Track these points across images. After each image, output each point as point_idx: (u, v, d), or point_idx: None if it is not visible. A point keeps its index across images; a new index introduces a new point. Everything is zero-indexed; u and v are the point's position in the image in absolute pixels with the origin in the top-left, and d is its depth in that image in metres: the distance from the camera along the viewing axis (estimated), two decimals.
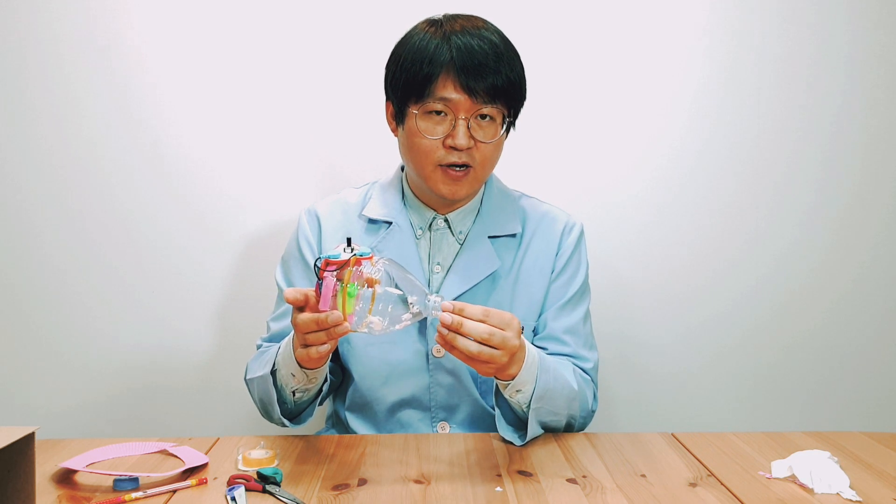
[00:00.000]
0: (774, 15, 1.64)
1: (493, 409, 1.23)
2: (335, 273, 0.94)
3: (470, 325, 0.98)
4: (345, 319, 0.95)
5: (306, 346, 1.00)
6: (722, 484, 1.00)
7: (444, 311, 0.98)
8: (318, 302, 0.95)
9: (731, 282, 1.70)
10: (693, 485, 1.00)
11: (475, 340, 0.99)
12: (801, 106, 1.67)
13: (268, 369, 1.15)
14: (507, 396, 1.12)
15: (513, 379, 1.09)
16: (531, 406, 1.11)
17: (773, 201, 1.69)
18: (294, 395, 1.17)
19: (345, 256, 0.94)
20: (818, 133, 1.68)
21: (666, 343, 1.71)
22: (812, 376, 1.73)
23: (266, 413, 1.22)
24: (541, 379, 1.11)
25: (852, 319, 1.72)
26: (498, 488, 0.98)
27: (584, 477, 1.02)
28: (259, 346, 1.31)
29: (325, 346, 0.99)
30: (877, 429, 1.29)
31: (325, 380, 1.18)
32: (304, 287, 1.06)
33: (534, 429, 1.14)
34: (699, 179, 1.68)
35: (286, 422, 1.19)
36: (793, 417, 1.72)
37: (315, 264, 0.95)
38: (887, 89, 1.67)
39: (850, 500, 0.95)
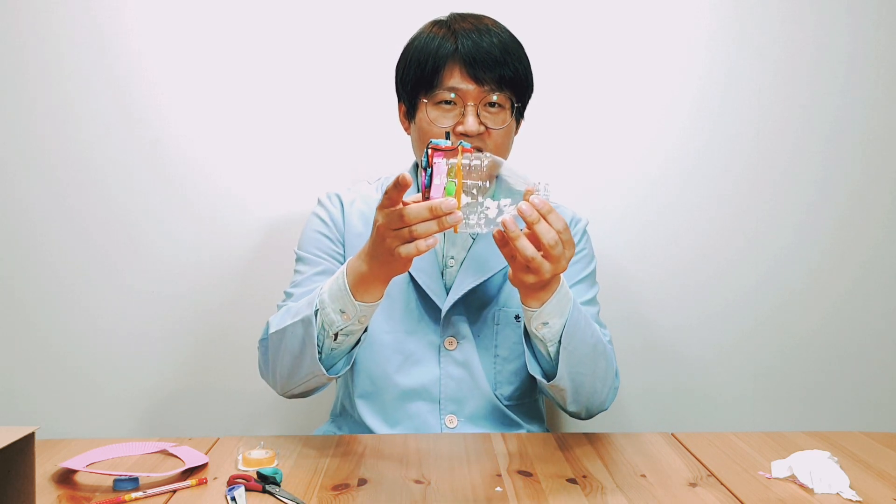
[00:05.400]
0: (774, 15, 1.64)
1: (503, 403, 1.23)
2: (445, 160, 0.89)
3: (542, 228, 0.94)
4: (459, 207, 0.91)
5: (411, 241, 0.93)
6: (722, 484, 1.00)
7: (527, 199, 0.93)
8: (425, 193, 0.93)
9: (731, 281, 1.70)
10: (693, 485, 1.00)
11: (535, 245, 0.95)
12: (801, 106, 1.67)
13: (310, 311, 1.07)
14: (533, 330, 1.07)
15: (541, 306, 1.04)
16: (561, 343, 1.06)
17: (773, 201, 1.69)
18: (336, 338, 1.09)
19: (450, 143, 0.90)
20: (818, 133, 1.68)
21: (666, 343, 1.71)
22: (812, 376, 1.73)
23: (291, 368, 1.13)
24: (573, 315, 1.06)
25: (852, 319, 1.72)
26: (498, 488, 0.98)
27: (584, 477, 1.02)
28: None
29: (432, 239, 0.93)
30: (877, 429, 1.29)
31: (365, 329, 1.12)
32: (327, 264, 1.21)
33: (562, 374, 1.09)
34: (699, 179, 1.68)
35: (322, 368, 1.09)
36: (793, 417, 1.72)
37: (425, 150, 0.92)
38: (887, 89, 1.67)
39: (850, 500, 0.95)
